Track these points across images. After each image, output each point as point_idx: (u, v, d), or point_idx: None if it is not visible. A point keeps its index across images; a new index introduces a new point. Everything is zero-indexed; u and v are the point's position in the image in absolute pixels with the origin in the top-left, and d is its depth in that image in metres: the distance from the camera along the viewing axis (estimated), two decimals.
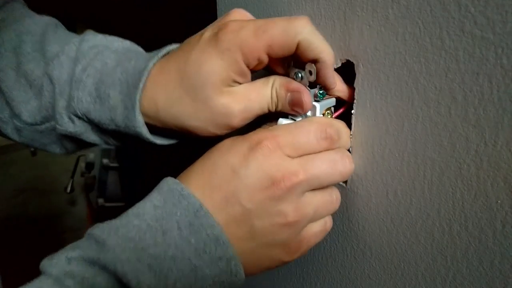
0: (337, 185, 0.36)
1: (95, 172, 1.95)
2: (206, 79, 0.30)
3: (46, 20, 0.40)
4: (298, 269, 0.45)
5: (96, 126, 0.37)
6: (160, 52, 0.34)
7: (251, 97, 0.31)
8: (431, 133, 0.26)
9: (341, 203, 0.36)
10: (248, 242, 0.28)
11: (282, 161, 0.27)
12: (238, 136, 0.29)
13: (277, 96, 0.31)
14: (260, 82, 0.32)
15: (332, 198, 0.30)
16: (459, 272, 0.26)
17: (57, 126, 0.37)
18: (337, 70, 0.32)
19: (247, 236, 0.28)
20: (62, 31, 0.40)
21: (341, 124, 0.31)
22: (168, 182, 0.29)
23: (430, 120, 0.26)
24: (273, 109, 0.32)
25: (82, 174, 2.01)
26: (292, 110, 0.31)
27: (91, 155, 2.01)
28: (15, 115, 0.38)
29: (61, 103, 0.36)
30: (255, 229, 0.28)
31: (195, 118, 0.32)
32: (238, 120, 0.31)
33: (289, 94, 0.31)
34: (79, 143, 0.41)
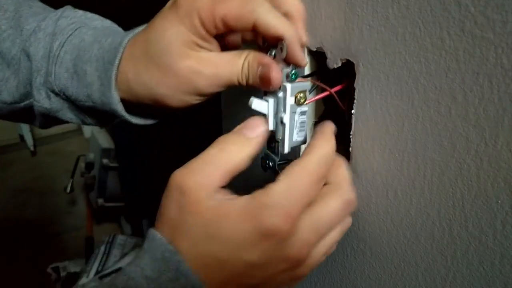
0: None
1: (95, 172, 1.95)
2: (170, 43, 0.30)
3: None
4: None
5: (73, 104, 0.37)
6: (136, 29, 0.34)
7: (220, 64, 0.31)
8: (431, 133, 0.26)
9: None
10: None
11: (298, 238, 0.26)
12: (241, 216, 0.25)
13: (248, 69, 0.30)
14: (233, 53, 0.31)
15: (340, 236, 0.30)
16: (459, 272, 0.26)
17: (34, 102, 0.37)
18: (337, 70, 0.32)
19: None
20: (37, 5, 0.39)
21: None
22: (161, 247, 0.26)
23: (430, 120, 0.26)
24: (243, 82, 0.31)
25: (82, 174, 2.00)
26: (262, 85, 0.30)
27: (91, 155, 2.01)
28: None
29: (38, 79, 0.36)
30: None
31: (162, 85, 0.31)
32: (204, 85, 0.31)
33: (260, 67, 0.30)
34: (56, 120, 0.40)
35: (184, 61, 0.30)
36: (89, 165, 1.98)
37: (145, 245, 0.26)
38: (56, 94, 0.36)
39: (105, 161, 1.84)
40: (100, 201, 1.89)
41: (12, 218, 2.20)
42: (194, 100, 0.32)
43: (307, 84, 0.32)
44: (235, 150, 0.27)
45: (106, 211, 1.94)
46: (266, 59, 0.30)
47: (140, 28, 0.34)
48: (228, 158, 0.27)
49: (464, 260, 0.26)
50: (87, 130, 2.78)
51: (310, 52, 0.35)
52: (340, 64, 0.32)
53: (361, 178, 0.33)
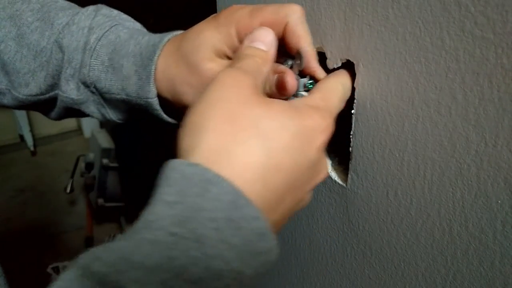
0: (337, 185, 0.36)
1: (95, 172, 1.95)
2: (200, 45, 0.32)
3: None
4: (298, 269, 0.45)
5: (100, 97, 0.38)
6: (174, 32, 0.36)
7: None
8: (431, 133, 0.26)
9: (341, 203, 0.36)
10: (283, 216, 0.24)
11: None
12: (289, 110, 0.24)
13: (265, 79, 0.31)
14: None
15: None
16: (459, 272, 0.26)
17: (60, 93, 0.38)
18: (337, 70, 0.32)
19: (286, 212, 0.25)
20: (61, 1, 0.41)
21: None
22: (178, 166, 0.21)
23: (430, 120, 0.26)
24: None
25: (82, 174, 2.01)
26: (279, 93, 0.30)
27: (91, 155, 2.01)
28: (19, 86, 0.39)
29: (69, 71, 0.37)
30: (295, 204, 0.25)
31: (186, 82, 0.33)
32: None
33: (275, 76, 0.30)
34: (76, 113, 0.41)
35: (209, 64, 0.32)
36: (89, 165, 1.98)
37: (160, 178, 0.22)
38: (86, 86, 0.37)
39: (105, 161, 1.85)
40: (100, 201, 1.89)
41: (12, 218, 2.20)
42: None
43: None
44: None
45: (106, 211, 1.94)
46: (281, 67, 0.31)
47: (177, 32, 0.36)
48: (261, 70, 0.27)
49: (464, 260, 0.26)
50: (87, 130, 2.78)
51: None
52: (340, 64, 0.32)
53: (361, 178, 0.33)
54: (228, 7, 0.32)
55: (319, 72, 0.31)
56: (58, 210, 2.27)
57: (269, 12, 0.30)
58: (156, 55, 0.34)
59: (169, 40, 0.35)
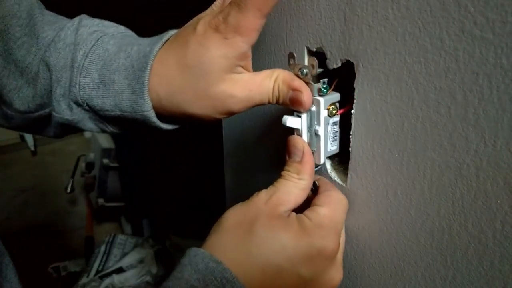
0: (337, 185, 0.36)
1: (95, 172, 1.95)
2: (207, 69, 0.31)
3: (27, 0, 0.38)
4: None
5: (95, 114, 0.37)
6: (163, 37, 0.34)
7: (253, 88, 0.32)
8: (431, 133, 0.26)
9: None
10: None
11: (337, 261, 0.31)
12: (300, 233, 0.29)
13: (278, 91, 0.32)
14: (264, 74, 0.32)
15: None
16: (459, 272, 0.26)
17: (54, 113, 0.36)
18: (337, 70, 0.32)
19: None
20: (47, 13, 0.39)
21: None
22: (204, 259, 0.28)
23: (430, 120, 0.26)
24: (273, 102, 0.32)
25: (82, 174, 2.00)
26: (293, 106, 0.32)
27: (91, 155, 2.01)
28: (5, 103, 0.37)
29: (59, 90, 0.35)
30: None
31: (196, 106, 0.32)
32: (238, 107, 0.32)
33: (290, 92, 0.31)
34: (74, 130, 0.40)
35: (219, 86, 0.31)
36: (90, 165, 1.98)
37: (184, 260, 0.28)
38: (79, 105, 0.36)
39: (105, 161, 1.84)
40: (100, 201, 1.89)
41: (13, 218, 2.20)
42: (225, 117, 0.34)
43: (336, 96, 0.33)
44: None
45: (106, 211, 1.94)
46: (296, 82, 0.31)
47: (167, 36, 0.34)
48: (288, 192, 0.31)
49: (464, 260, 0.26)
50: None
51: (310, 53, 0.35)
52: (340, 64, 0.32)
53: (361, 178, 0.33)
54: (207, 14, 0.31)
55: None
56: (58, 210, 2.27)
57: None
58: (148, 66, 0.32)
59: (160, 48, 0.33)
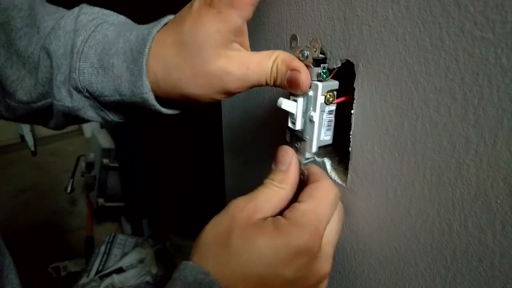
0: (337, 184, 0.36)
1: (95, 172, 1.95)
2: (203, 45, 0.30)
3: None
4: None
5: (95, 101, 0.37)
6: (162, 20, 0.34)
7: (250, 66, 0.31)
8: (430, 133, 0.26)
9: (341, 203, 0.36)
10: None
11: (324, 253, 0.30)
12: (276, 235, 0.28)
13: (277, 71, 0.31)
14: (263, 54, 0.32)
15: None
16: (459, 272, 0.26)
17: (54, 101, 0.36)
18: (337, 70, 0.32)
19: None
20: (48, 4, 0.39)
21: None
22: (192, 271, 0.28)
23: (430, 120, 0.26)
24: (271, 83, 0.32)
25: (82, 174, 2.00)
26: (290, 88, 0.31)
27: (91, 155, 2.01)
28: (8, 93, 0.37)
29: (59, 77, 0.35)
30: None
31: (193, 85, 0.32)
32: (235, 86, 0.32)
33: (289, 72, 0.31)
34: (75, 119, 0.40)
35: (216, 62, 0.31)
36: (90, 165, 1.98)
37: (175, 275, 0.28)
38: (79, 92, 0.36)
39: (105, 161, 1.85)
40: (101, 201, 1.89)
41: (13, 218, 2.20)
42: (222, 97, 0.33)
43: (335, 83, 0.32)
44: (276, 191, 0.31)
45: (106, 211, 1.94)
46: (296, 62, 0.31)
47: (166, 20, 0.34)
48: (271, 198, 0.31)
49: (464, 260, 0.26)
50: (88, 130, 2.78)
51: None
52: (340, 64, 0.32)
53: (361, 178, 0.33)
54: None
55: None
56: (58, 210, 2.27)
57: None
58: (147, 47, 0.32)
59: (158, 31, 0.33)
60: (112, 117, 0.39)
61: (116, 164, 1.84)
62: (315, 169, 0.33)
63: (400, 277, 0.31)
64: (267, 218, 0.30)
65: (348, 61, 0.31)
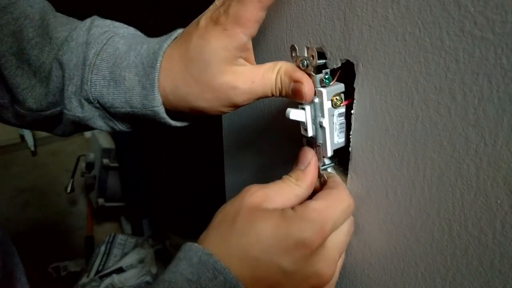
0: None
1: (95, 172, 1.95)
2: (209, 61, 0.32)
3: (39, 2, 0.40)
4: None
5: (105, 111, 0.38)
6: (172, 35, 0.36)
7: (255, 80, 0.32)
8: (430, 133, 0.26)
9: None
10: None
11: (324, 253, 0.30)
12: (279, 223, 0.29)
13: (281, 83, 0.32)
14: (266, 67, 0.33)
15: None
16: (459, 272, 0.26)
17: (65, 111, 0.37)
18: (337, 70, 0.32)
19: None
20: (59, 15, 0.40)
21: None
22: (197, 252, 0.28)
23: (430, 120, 0.26)
24: (277, 94, 0.33)
25: (82, 174, 2.00)
26: (295, 98, 0.32)
27: (91, 155, 2.01)
28: (17, 101, 0.38)
29: (71, 88, 0.36)
30: None
31: (201, 98, 0.33)
32: (242, 99, 0.33)
33: (292, 83, 0.31)
34: (83, 127, 0.41)
35: (222, 78, 0.32)
36: (90, 165, 1.98)
37: (179, 255, 0.29)
38: (90, 103, 0.37)
39: (105, 161, 1.85)
40: (101, 201, 1.89)
41: (13, 218, 2.20)
42: (230, 110, 0.34)
43: (340, 86, 0.33)
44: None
45: (106, 211, 1.94)
46: (298, 73, 0.31)
47: (176, 34, 0.36)
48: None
49: (464, 260, 0.26)
50: None
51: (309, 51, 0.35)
52: (340, 64, 0.32)
53: (361, 178, 0.33)
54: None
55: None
56: (58, 210, 2.27)
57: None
58: (158, 62, 0.33)
59: (168, 45, 0.34)
60: (120, 126, 0.40)
61: (116, 164, 1.84)
62: (335, 177, 0.34)
63: (400, 277, 0.31)
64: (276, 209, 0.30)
65: (348, 61, 0.31)
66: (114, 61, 0.36)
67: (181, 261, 0.28)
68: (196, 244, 0.29)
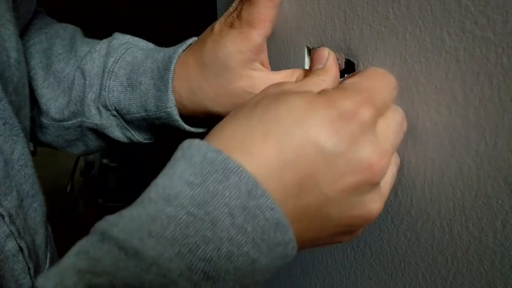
0: None
1: (95, 172, 1.95)
2: (224, 65, 0.32)
3: (72, 27, 0.44)
4: (298, 269, 0.45)
5: (122, 120, 0.39)
6: (187, 41, 0.36)
7: None
8: (431, 133, 0.26)
9: None
10: (315, 232, 0.23)
11: (376, 138, 0.22)
12: (313, 95, 0.23)
13: None
14: (284, 74, 0.32)
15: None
16: (460, 272, 0.26)
17: (84, 119, 0.39)
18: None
19: (317, 227, 0.23)
20: (88, 38, 0.43)
21: None
22: (201, 149, 0.21)
23: (430, 120, 0.26)
24: None
25: (82, 174, 2.01)
26: None
27: (91, 155, 2.01)
28: (42, 112, 0.40)
29: (90, 95, 0.38)
30: (330, 221, 0.23)
31: (217, 103, 0.33)
32: None
33: None
34: (102, 140, 0.42)
35: (237, 83, 0.32)
36: (89, 165, 1.98)
37: (177, 154, 0.22)
38: (107, 109, 0.38)
39: (105, 161, 1.85)
40: (100, 201, 1.89)
41: None
42: None
43: None
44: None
45: (106, 211, 1.94)
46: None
47: (190, 41, 0.36)
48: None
49: (464, 260, 0.26)
50: None
51: (310, 52, 0.35)
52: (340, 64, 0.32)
53: None
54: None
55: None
56: (58, 210, 2.27)
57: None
58: (172, 64, 0.34)
59: (183, 50, 0.35)
60: (137, 137, 0.41)
61: (116, 164, 1.84)
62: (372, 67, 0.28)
63: (401, 278, 0.31)
64: None
65: (349, 60, 0.31)
66: (131, 68, 0.37)
67: (178, 161, 0.21)
68: (198, 140, 0.22)
